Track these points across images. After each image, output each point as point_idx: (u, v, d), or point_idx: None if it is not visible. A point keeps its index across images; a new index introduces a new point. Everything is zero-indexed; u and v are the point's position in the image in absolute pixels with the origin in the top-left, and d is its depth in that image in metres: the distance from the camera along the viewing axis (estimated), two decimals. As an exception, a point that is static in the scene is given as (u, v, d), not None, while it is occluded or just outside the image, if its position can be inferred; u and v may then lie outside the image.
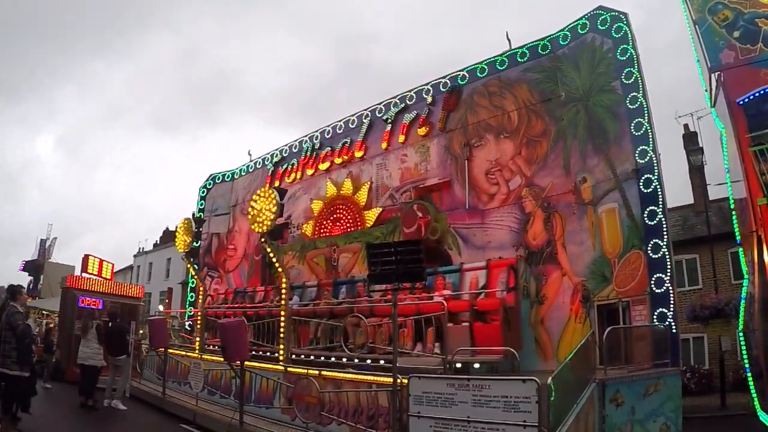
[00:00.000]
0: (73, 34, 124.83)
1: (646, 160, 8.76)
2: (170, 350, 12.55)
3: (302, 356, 10.14)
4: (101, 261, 17.96)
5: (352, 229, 13.53)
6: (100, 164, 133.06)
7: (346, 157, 14.44)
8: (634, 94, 9.10)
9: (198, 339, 12.64)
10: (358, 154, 14.10)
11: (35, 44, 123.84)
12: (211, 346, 12.12)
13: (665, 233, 8.35)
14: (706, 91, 9.22)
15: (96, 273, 17.46)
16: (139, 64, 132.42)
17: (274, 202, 9.72)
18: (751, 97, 7.73)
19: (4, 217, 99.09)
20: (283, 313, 9.95)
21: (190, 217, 16.66)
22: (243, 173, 18.22)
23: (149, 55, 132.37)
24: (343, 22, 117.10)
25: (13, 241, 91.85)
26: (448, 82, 12.46)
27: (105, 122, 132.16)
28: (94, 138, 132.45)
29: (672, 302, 8.04)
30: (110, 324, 11.17)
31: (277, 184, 16.08)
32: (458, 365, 8.01)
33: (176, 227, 15.70)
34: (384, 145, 13.50)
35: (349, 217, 13.76)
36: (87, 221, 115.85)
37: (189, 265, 14.72)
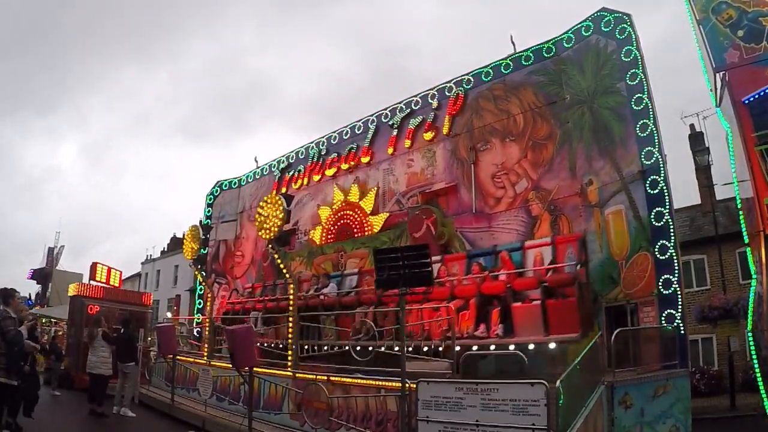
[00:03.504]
0: (111, 42, 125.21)
1: (652, 161, 8.73)
2: (179, 357, 12.59)
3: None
4: (109, 269, 18.11)
5: (359, 234, 13.56)
6: (124, 173, 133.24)
7: (352, 163, 14.46)
8: (638, 95, 9.07)
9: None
10: (365, 159, 14.11)
11: (69, 52, 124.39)
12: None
13: (672, 234, 8.31)
14: (711, 90, 9.21)
15: (104, 281, 17.59)
16: (173, 72, 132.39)
17: (281, 208, 9.78)
18: (756, 96, 7.72)
19: (21, 225, 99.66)
20: (291, 318, 9.97)
21: (198, 224, 16.78)
22: (250, 180, 18.27)
23: (185, 63, 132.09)
24: (382, 34, 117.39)
25: (30, 249, 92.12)
26: (453, 86, 12.48)
27: (132, 130, 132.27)
28: (119, 146, 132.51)
29: (680, 303, 7.99)
30: (122, 330, 11.28)
31: (284, 190, 16.12)
32: (531, 346, 7.99)
33: (183, 234, 15.80)
34: (390, 150, 13.53)
35: (356, 222, 13.80)
36: (107, 229, 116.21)
37: (197, 272, 14.79)
